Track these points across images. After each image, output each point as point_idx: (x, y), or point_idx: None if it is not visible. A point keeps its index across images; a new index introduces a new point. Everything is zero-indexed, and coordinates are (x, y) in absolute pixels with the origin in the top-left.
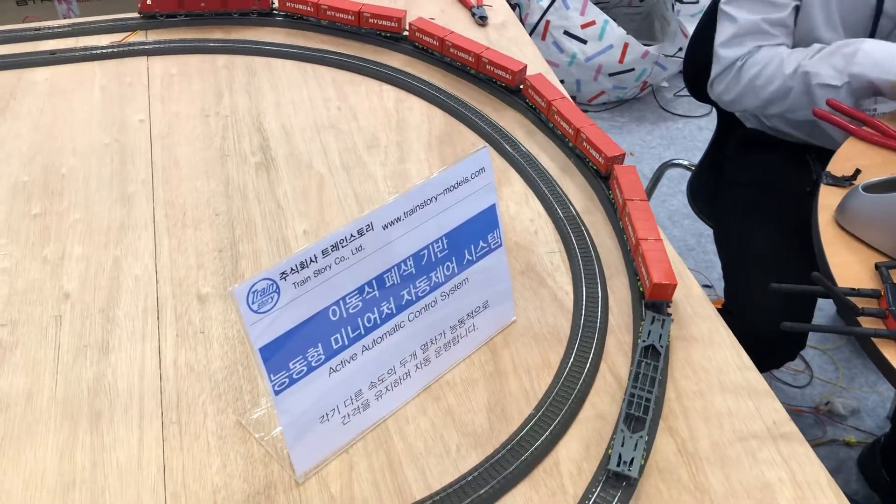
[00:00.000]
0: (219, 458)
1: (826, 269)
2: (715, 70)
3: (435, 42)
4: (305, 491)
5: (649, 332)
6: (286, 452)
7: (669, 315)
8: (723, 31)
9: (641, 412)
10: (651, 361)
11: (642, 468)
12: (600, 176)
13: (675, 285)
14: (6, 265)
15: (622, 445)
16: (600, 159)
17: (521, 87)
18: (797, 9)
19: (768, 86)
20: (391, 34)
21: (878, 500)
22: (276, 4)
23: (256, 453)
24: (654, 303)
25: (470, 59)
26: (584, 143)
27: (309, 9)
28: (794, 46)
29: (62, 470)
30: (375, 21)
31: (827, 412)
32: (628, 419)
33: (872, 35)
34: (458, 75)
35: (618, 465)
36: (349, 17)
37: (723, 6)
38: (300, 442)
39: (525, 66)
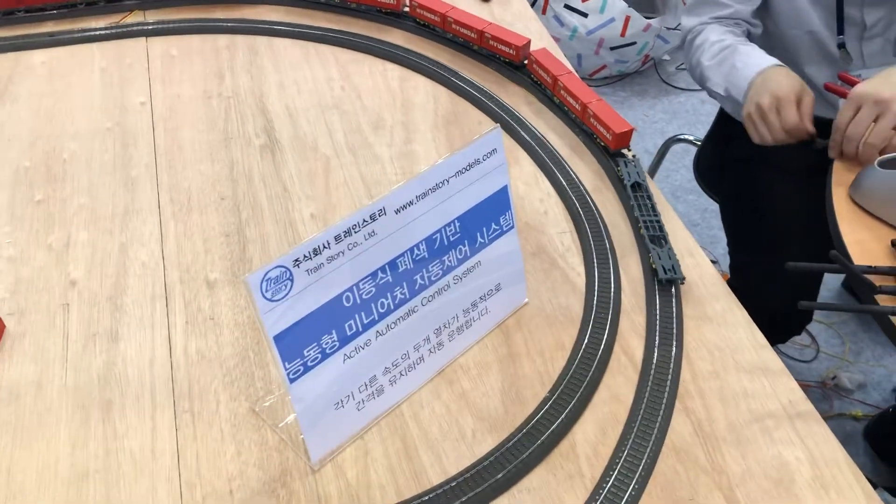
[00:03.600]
0: (233, 445)
1: (841, 246)
2: (681, 38)
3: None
4: (322, 478)
5: (628, 173)
6: (301, 439)
7: (634, 156)
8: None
9: (658, 231)
10: (641, 193)
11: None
12: (514, 66)
13: (632, 130)
14: (11, 253)
15: (660, 258)
16: (511, 51)
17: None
18: None
19: (696, 69)
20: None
21: (885, 472)
22: None
23: (271, 440)
24: (618, 151)
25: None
26: (491, 42)
27: None
28: (773, 8)
29: (75, 460)
30: None
31: (833, 386)
32: (653, 239)
33: (840, 4)
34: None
35: (664, 272)
36: None
37: None
38: (315, 429)
39: None
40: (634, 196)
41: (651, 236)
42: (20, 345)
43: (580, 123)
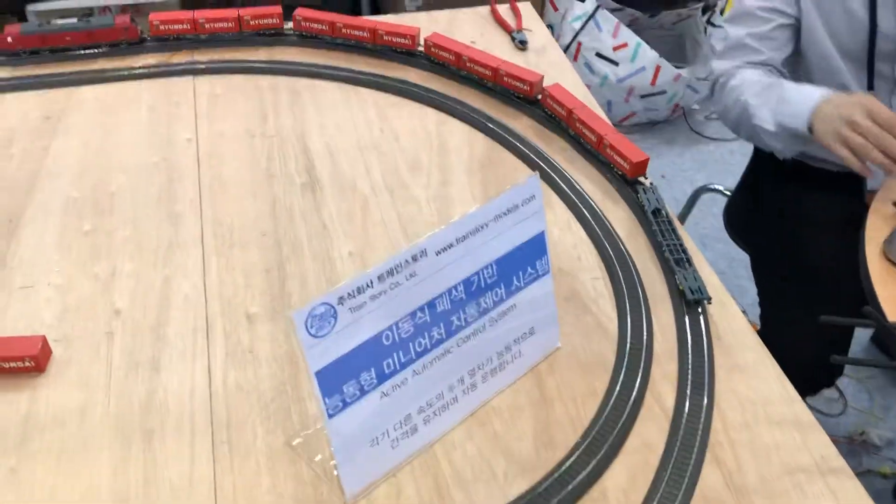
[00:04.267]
0: (269, 478)
1: (875, 301)
2: (710, 83)
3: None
4: None
5: (647, 199)
6: (335, 474)
7: (652, 183)
8: (717, 45)
9: (681, 253)
10: (662, 218)
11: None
12: (528, 101)
13: (647, 159)
14: (59, 281)
15: (686, 280)
16: (525, 87)
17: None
18: (797, 23)
19: (732, 110)
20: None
21: None
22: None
23: (306, 475)
24: (635, 180)
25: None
26: (506, 79)
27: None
28: (805, 60)
29: (117, 487)
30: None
31: (862, 442)
32: (677, 262)
33: (871, 58)
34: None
35: (692, 293)
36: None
37: (722, 20)
38: (350, 464)
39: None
40: (656, 221)
41: (675, 259)
42: (66, 371)
43: (597, 154)
